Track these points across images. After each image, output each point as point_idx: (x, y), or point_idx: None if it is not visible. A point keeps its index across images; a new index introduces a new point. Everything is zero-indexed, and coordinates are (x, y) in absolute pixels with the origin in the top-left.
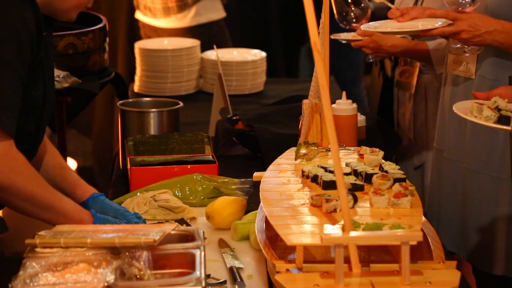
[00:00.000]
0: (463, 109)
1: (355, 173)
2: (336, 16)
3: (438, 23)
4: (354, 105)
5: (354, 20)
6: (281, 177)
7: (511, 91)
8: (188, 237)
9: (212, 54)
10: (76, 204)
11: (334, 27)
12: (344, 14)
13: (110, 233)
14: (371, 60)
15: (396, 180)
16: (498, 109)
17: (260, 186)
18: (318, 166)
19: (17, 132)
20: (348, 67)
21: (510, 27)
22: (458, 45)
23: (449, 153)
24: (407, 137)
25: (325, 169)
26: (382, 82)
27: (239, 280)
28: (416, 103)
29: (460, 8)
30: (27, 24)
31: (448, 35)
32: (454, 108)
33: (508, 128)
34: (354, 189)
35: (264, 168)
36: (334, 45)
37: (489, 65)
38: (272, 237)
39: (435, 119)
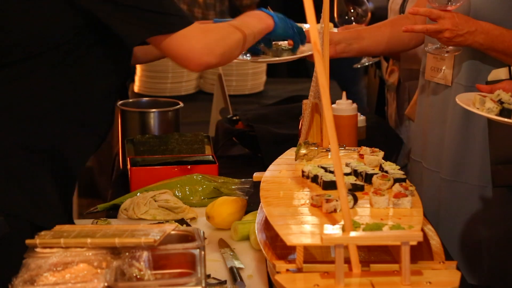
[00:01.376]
0: (466, 100)
1: (355, 173)
2: (336, 18)
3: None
4: (354, 105)
5: (354, 22)
6: (281, 177)
7: None
8: (188, 237)
9: None
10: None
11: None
12: (344, 16)
13: (110, 233)
14: (358, 66)
15: (396, 180)
16: (500, 102)
17: (260, 186)
18: (318, 166)
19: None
20: (348, 66)
21: (490, 28)
22: (437, 46)
23: (428, 163)
24: None
25: (325, 169)
26: (378, 83)
27: (239, 280)
28: (400, 104)
29: (442, 7)
30: None
31: (431, 34)
32: (457, 99)
33: (510, 120)
34: (354, 189)
35: (264, 168)
36: None
37: (464, 72)
38: (272, 237)
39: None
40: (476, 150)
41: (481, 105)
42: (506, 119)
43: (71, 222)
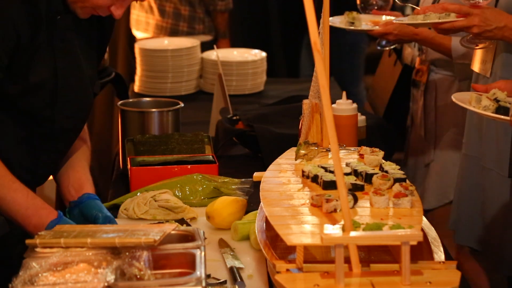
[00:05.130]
0: (463, 99)
1: (355, 173)
2: (358, 4)
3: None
4: (354, 105)
5: (376, 7)
6: (281, 177)
7: (510, 85)
8: (188, 237)
9: (212, 54)
10: (34, 199)
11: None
12: (367, 2)
13: (110, 233)
14: (378, 48)
15: (396, 180)
16: (496, 100)
17: (260, 186)
18: (318, 166)
19: (29, 114)
20: (348, 67)
21: None
22: (468, 39)
23: (469, 150)
24: (419, 134)
25: (325, 169)
26: (400, 70)
27: (239, 280)
28: (427, 101)
29: (474, 2)
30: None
31: (459, 29)
32: (453, 98)
33: (507, 118)
34: (354, 189)
35: (264, 168)
36: (334, 46)
37: (501, 63)
38: (272, 237)
39: (444, 118)
40: (508, 142)
41: (477, 103)
42: (503, 117)
43: None
